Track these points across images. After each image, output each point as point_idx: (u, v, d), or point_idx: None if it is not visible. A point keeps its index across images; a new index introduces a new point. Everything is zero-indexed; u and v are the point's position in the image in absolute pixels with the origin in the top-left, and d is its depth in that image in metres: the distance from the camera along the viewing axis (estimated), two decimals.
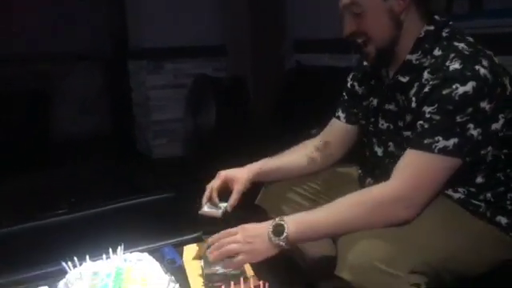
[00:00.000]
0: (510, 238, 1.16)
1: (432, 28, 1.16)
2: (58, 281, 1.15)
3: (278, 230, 1.08)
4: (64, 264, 1.11)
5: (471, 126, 1.05)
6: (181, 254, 1.26)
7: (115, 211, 1.60)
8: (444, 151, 1.06)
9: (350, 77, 1.40)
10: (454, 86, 1.05)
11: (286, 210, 1.32)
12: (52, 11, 4.51)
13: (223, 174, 1.35)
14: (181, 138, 3.75)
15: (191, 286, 1.13)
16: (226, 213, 1.27)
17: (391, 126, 1.24)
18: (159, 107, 3.92)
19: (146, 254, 1.17)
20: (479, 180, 1.14)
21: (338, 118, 1.41)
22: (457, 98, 1.04)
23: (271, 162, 1.39)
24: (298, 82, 3.03)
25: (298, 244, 1.17)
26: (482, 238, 1.13)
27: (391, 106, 1.23)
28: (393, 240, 1.03)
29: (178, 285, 1.01)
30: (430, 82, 1.09)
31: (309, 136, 1.54)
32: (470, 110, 1.05)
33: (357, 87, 1.37)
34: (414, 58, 1.16)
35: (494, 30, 1.93)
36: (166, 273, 1.13)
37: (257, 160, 1.41)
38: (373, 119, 1.29)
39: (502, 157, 1.14)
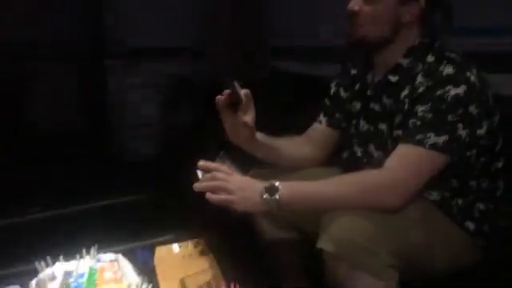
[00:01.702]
0: (476, 244, 1.23)
1: (426, 40, 1.24)
2: (30, 280, 1.16)
3: (272, 190, 1.10)
4: (36, 263, 1.12)
5: (460, 126, 1.12)
6: (153, 255, 1.28)
7: (89, 212, 1.61)
8: (435, 147, 1.12)
9: (334, 83, 1.45)
10: (446, 88, 1.12)
11: None
12: (27, 4, 4.42)
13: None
14: (157, 140, 3.74)
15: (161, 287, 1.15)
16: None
17: (371, 128, 1.30)
18: (136, 107, 3.91)
19: (119, 255, 1.18)
20: (454, 185, 1.21)
21: (320, 122, 1.46)
22: (449, 98, 1.12)
23: (271, 139, 1.37)
24: (274, 87, 3.07)
25: (287, 210, 1.15)
26: (453, 239, 1.20)
27: (376, 106, 1.28)
28: (376, 222, 1.08)
29: (150, 285, 1.03)
30: (425, 84, 1.16)
31: None
32: (460, 111, 1.12)
33: (342, 92, 1.42)
34: (405, 62, 1.23)
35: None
36: (139, 274, 1.15)
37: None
38: (355, 121, 1.35)
39: (478, 165, 1.21)
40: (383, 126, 1.26)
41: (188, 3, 3.82)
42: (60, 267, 1.12)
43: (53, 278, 1.09)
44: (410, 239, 1.10)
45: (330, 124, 1.44)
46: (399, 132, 1.20)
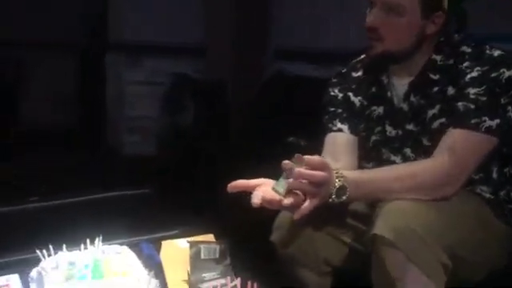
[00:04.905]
0: None
1: (447, 36, 1.23)
2: (31, 269, 1.11)
3: (340, 193, 1.09)
4: (38, 252, 1.07)
5: (510, 108, 1.15)
6: (159, 250, 1.24)
7: (92, 203, 1.57)
8: (489, 131, 1.13)
9: (338, 88, 1.34)
10: (501, 70, 1.15)
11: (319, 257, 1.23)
12: None
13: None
14: (155, 137, 3.70)
15: (169, 283, 1.11)
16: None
17: (400, 132, 1.25)
18: (135, 103, 3.86)
19: (125, 247, 1.14)
20: (508, 175, 1.23)
21: (340, 130, 1.30)
22: (503, 81, 1.14)
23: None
24: (278, 89, 3.04)
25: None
26: (501, 239, 1.20)
27: (404, 106, 1.24)
28: (433, 214, 1.08)
29: (158, 281, 0.99)
30: (476, 68, 1.16)
31: (287, 144, 1.52)
32: (511, 92, 1.14)
33: (352, 97, 1.33)
34: (438, 58, 1.22)
35: None
36: (145, 268, 1.10)
37: (234, 163, 1.36)
38: (379, 128, 1.28)
39: None
40: (411, 127, 1.23)
41: (191, 1, 3.80)
42: (63, 257, 1.07)
43: (56, 267, 1.04)
44: (463, 236, 1.10)
45: (353, 131, 1.30)
46: (441, 120, 1.19)
